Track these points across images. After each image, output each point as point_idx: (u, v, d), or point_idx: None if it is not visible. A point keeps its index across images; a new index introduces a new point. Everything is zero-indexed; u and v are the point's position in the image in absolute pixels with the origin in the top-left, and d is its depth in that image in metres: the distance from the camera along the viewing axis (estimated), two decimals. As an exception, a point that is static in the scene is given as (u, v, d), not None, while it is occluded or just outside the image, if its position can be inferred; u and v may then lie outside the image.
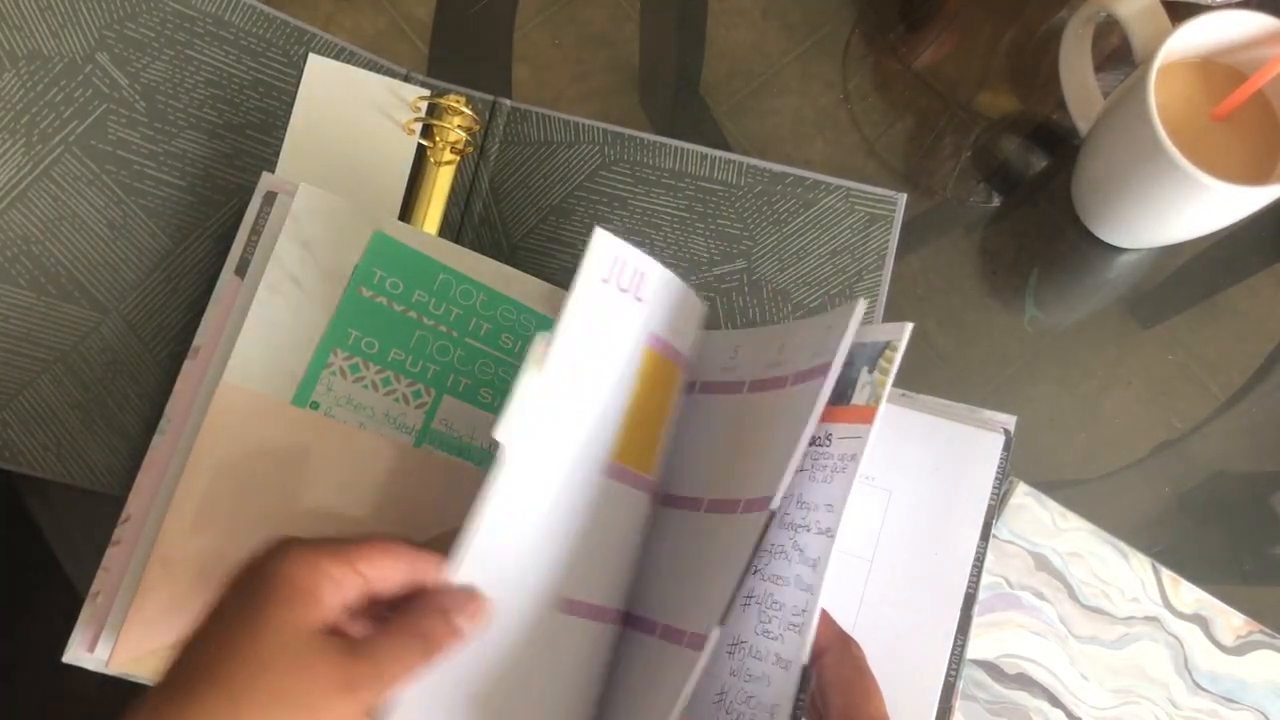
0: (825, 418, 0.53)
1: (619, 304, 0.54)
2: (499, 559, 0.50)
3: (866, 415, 0.51)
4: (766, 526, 0.50)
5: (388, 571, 0.47)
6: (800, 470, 0.53)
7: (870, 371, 0.52)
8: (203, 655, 0.44)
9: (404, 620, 0.47)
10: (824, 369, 0.52)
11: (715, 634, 0.49)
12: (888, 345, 0.52)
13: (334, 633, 0.45)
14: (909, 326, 0.52)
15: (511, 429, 0.50)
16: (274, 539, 0.47)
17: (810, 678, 0.49)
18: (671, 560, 0.56)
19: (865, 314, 0.67)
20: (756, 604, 0.52)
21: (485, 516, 0.49)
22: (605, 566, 0.55)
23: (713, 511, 0.55)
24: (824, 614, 0.51)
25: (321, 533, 0.49)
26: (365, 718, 0.45)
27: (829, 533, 0.50)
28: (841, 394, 0.53)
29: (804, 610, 0.50)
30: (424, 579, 0.49)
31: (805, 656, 0.49)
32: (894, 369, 0.51)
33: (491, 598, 0.49)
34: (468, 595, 0.49)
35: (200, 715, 0.42)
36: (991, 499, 0.63)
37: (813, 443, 0.53)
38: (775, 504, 0.50)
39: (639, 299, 0.55)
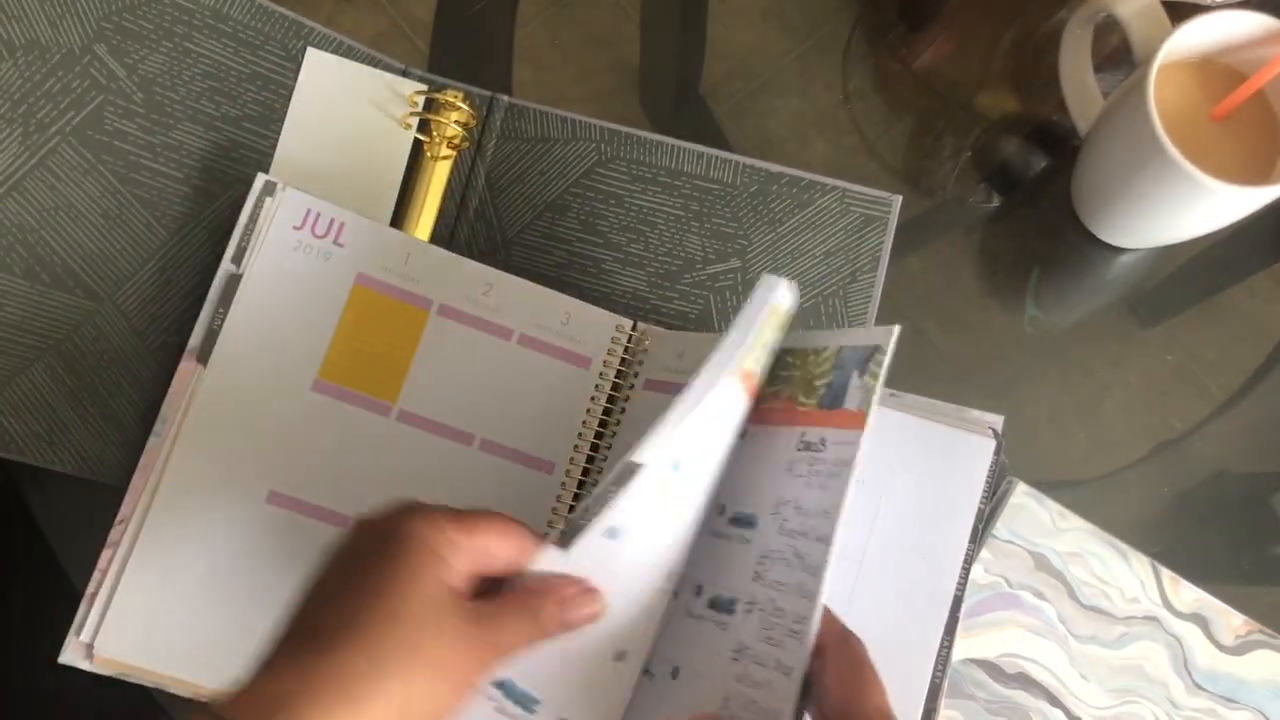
0: (818, 421, 0.53)
1: (315, 246, 0.65)
2: (212, 458, 0.62)
3: (859, 420, 0.50)
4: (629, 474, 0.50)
5: (499, 549, 0.48)
6: (798, 476, 0.52)
7: (860, 376, 0.52)
8: (334, 608, 0.45)
9: (525, 599, 0.48)
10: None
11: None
12: (876, 349, 0.52)
13: (463, 599, 0.46)
14: (896, 330, 0.51)
15: (220, 350, 0.63)
16: (394, 501, 0.48)
17: (811, 685, 0.49)
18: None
19: (859, 312, 0.68)
20: (760, 610, 0.51)
21: (189, 425, 0.62)
22: (326, 470, 0.64)
23: None
24: (825, 610, 0.50)
25: None
26: (477, 680, 0.46)
27: (826, 540, 0.49)
28: (835, 398, 0.52)
29: (805, 618, 0.49)
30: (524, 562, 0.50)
31: (806, 663, 0.48)
32: (883, 373, 0.50)
33: (603, 594, 0.51)
34: (588, 593, 0.50)
35: (340, 663, 0.42)
36: (982, 503, 0.63)
37: (808, 448, 0.53)
38: (637, 456, 0.50)
39: (338, 244, 0.65)
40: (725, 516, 0.55)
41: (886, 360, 0.50)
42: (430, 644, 0.44)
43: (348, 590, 0.45)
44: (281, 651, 0.44)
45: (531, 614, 0.48)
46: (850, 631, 0.51)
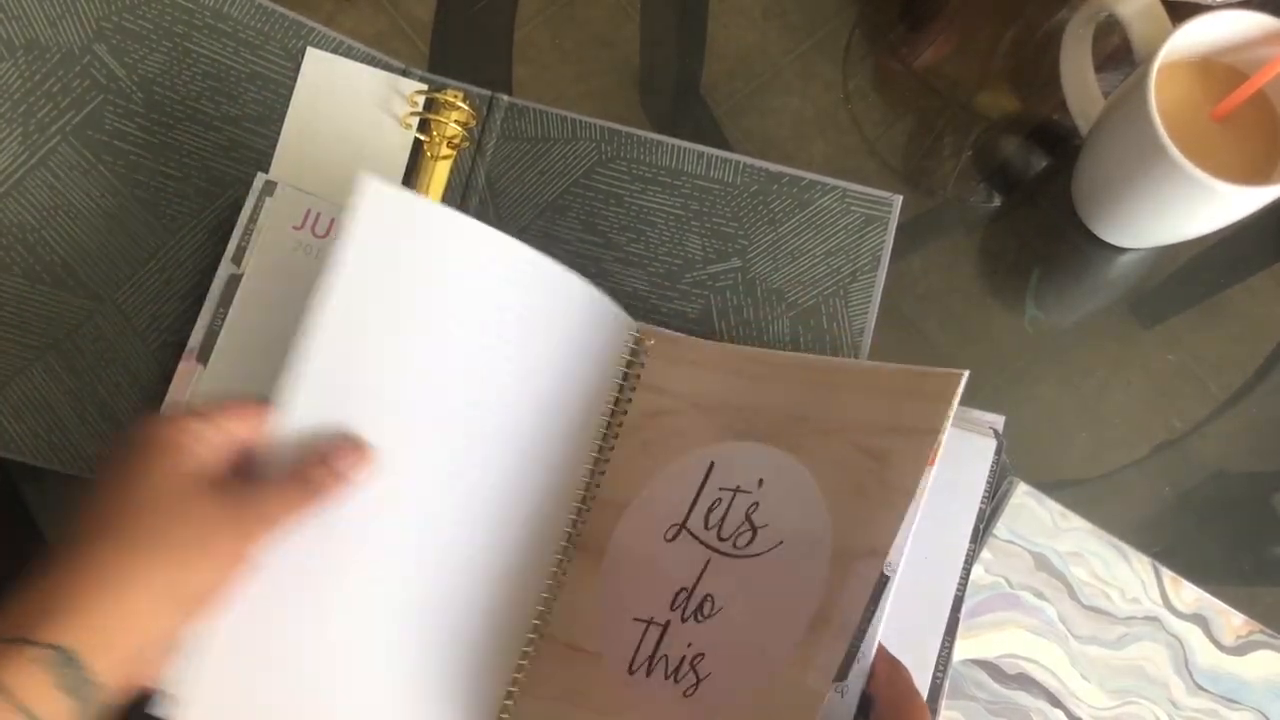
0: None
1: (315, 246, 0.65)
2: None
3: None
4: None
5: (239, 428, 0.52)
6: None
7: None
8: (89, 512, 0.48)
9: (290, 468, 0.52)
10: None
11: None
12: None
13: (215, 483, 0.50)
14: (965, 374, 0.52)
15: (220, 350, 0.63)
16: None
17: (870, 704, 0.50)
18: None
19: (859, 312, 0.68)
20: None
21: None
22: None
23: None
24: None
25: None
26: (247, 553, 0.50)
27: (888, 567, 0.51)
28: None
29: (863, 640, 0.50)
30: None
31: (864, 684, 0.50)
32: (951, 411, 0.52)
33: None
34: (351, 443, 0.53)
35: (91, 558, 0.46)
36: (983, 503, 0.63)
37: None
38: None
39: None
40: None
41: (955, 400, 0.52)
42: (180, 527, 0.48)
43: (100, 494, 0.49)
44: (48, 561, 0.47)
45: (296, 479, 0.51)
46: (897, 659, 0.53)
